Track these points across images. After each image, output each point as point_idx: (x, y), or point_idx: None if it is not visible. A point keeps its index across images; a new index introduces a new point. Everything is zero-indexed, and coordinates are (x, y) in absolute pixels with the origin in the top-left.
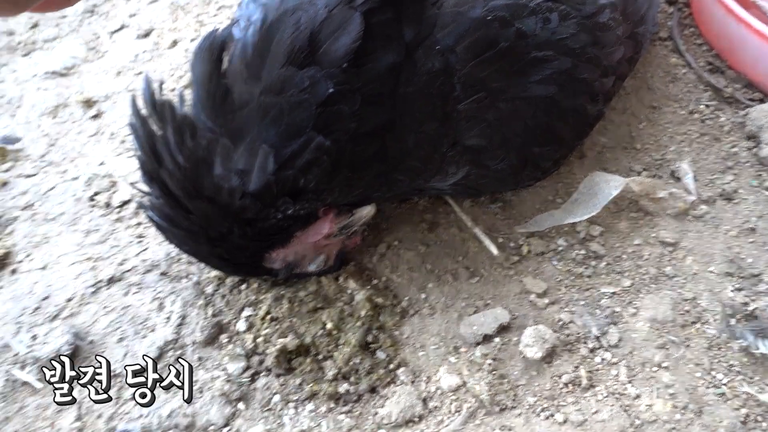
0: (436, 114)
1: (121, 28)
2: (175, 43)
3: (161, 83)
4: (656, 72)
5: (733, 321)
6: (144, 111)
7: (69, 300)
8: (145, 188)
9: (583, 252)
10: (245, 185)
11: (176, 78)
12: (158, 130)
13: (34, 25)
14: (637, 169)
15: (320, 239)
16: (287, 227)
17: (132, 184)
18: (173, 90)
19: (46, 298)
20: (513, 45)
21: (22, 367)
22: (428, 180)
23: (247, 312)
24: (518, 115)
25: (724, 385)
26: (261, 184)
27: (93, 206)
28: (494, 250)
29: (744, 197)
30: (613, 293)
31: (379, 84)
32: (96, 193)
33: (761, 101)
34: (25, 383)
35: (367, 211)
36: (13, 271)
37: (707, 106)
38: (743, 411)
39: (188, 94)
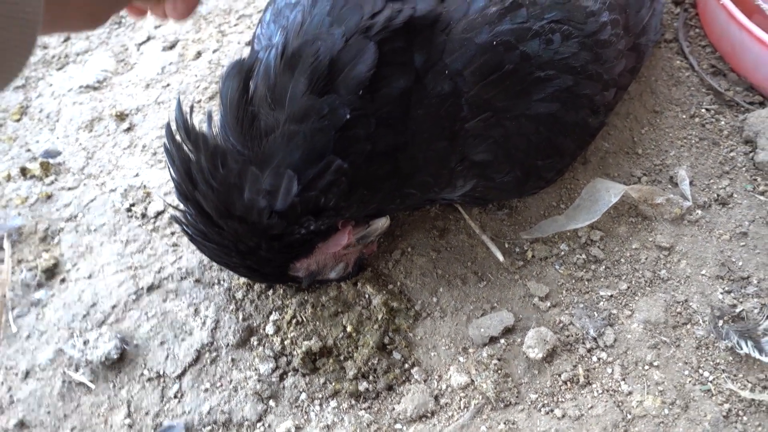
0: (445, 133)
1: (148, 39)
2: (199, 54)
3: (191, 107)
4: (660, 75)
5: (720, 322)
6: (178, 136)
7: (114, 307)
8: (180, 205)
9: (583, 257)
10: (272, 205)
11: (201, 89)
12: (192, 156)
13: (66, 38)
14: (638, 174)
15: (340, 249)
16: (310, 240)
17: (165, 194)
18: (199, 101)
19: (93, 305)
20: (517, 67)
21: (76, 369)
22: (439, 192)
23: (274, 316)
24: (522, 132)
25: (710, 382)
26: (286, 204)
27: (130, 217)
28: (500, 257)
29: (738, 202)
30: (611, 296)
31: (392, 108)
32: (132, 204)
33: (761, 104)
34: (80, 384)
35: (382, 223)
36: (63, 280)
37: (708, 110)
38: (726, 406)
39: (215, 113)
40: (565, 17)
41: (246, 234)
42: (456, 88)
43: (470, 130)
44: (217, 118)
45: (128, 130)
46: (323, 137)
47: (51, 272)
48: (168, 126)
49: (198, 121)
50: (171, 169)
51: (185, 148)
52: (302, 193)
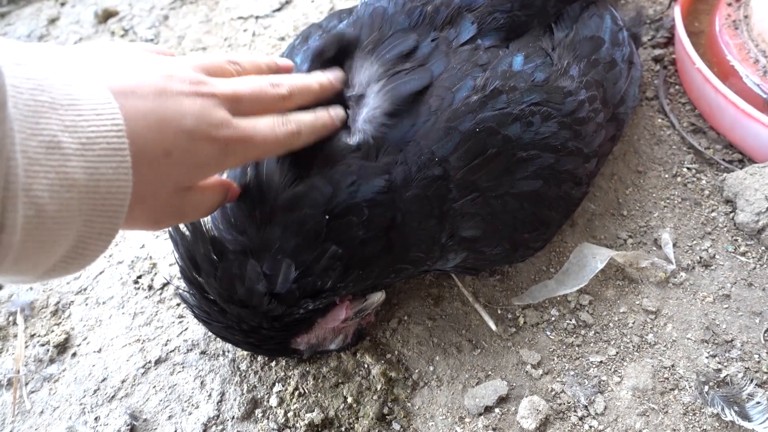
0: (434, 213)
1: None
2: None
3: None
4: (642, 134)
5: (706, 388)
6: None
7: (123, 381)
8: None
9: (573, 322)
10: (271, 290)
11: None
12: (196, 243)
13: None
14: (623, 236)
15: (339, 323)
16: (309, 318)
17: (170, 265)
18: None
19: (103, 379)
20: (500, 150)
21: None
22: (432, 265)
23: (277, 387)
24: (507, 209)
25: None
26: (284, 290)
27: (137, 289)
28: (493, 326)
29: (720, 263)
30: (600, 362)
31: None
32: (139, 276)
33: (740, 161)
34: None
35: (378, 297)
36: (74, 354)
37: (689, 168)
38: None
39: None
40: (543, 99)
41: (248, 316)
42: (443, 172)
43: (458, 209)
44: None
45: None
46: (316, 225)
47: (62, 347)
48: None
49: None
50: (176, 254)
51: (188, 235)
52: (299, 279)
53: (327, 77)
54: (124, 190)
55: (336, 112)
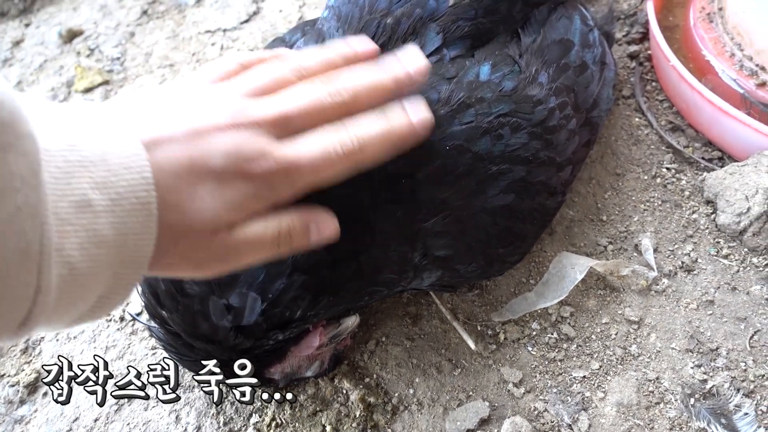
0: (405, 233)
1: None
2: None
3: None
4: (620, 135)
5: (692, 400)
6: None
7: (96, 420)
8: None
9: (555, 335)
10: (237, 323)
11: None
12: (156, 279)
13: None
14: (603, 243)
15: (313, 351)
16: (281, 348)
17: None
18: None
19: (76, 419)
20: (471, 168)
21: None
22: (406, 286)
23: (254, 419)
24: (479, 225)
25: None
26: (251, 323)
27: (109, 321)
28: (472, 345)
29: (703, 267)
30: (583, 377)
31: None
32: None
33: (720, 159)
34: None
35: (352, 321)
36: (45, 394)
37: (668, 168)
38: None
39: None
40: (512, 110)
41: (215, 350)
42: (411, 190)
43: (429, 228)
44: None
45: None
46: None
47: (33, 386)
48: None
49: None
50: (139, 289)
51: None
52: (266, 311)
53: (406, 71)
54: (149, 242)
55: (420, 118)
